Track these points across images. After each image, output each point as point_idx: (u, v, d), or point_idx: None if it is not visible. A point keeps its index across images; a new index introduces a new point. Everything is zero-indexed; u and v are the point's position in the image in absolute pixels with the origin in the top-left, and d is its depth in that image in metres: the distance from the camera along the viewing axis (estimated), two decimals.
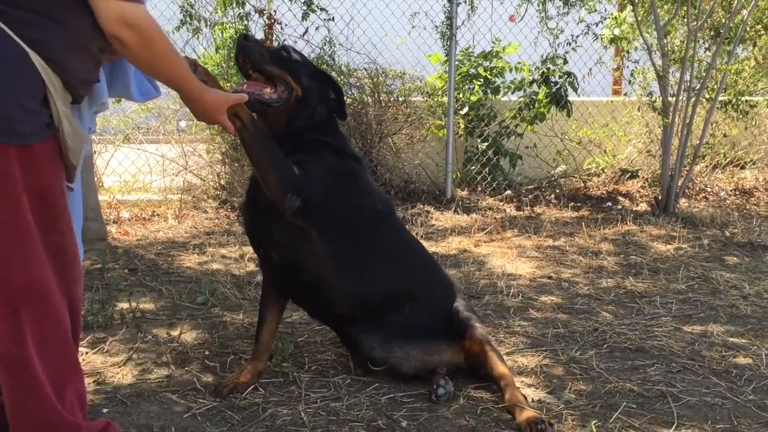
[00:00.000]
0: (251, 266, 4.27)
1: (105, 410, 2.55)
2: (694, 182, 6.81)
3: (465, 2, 6.32)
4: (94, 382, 2.77)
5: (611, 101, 7.31)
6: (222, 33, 5.75)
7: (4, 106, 1.78)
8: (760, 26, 6.29)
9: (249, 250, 4.54)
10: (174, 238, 4.93)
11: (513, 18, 6.79)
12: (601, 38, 6.44)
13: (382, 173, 6.15)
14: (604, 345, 3.26)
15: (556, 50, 6.53)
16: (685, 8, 5.83)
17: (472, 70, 6.66)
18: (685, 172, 6.17)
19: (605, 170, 6.95)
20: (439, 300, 2.92)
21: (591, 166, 6.99)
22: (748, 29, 6.16)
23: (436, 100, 6.56)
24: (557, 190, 6.55)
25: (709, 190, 6.83)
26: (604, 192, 6.66)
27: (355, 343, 2.85)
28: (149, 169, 6.08)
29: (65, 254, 1.97)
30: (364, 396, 2.72)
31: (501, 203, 6.15)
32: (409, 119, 6.42)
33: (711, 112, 6.25)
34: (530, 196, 6.32)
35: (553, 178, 6.75)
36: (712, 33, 6.20)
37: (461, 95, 6.59)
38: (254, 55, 2.63)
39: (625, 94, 7.35)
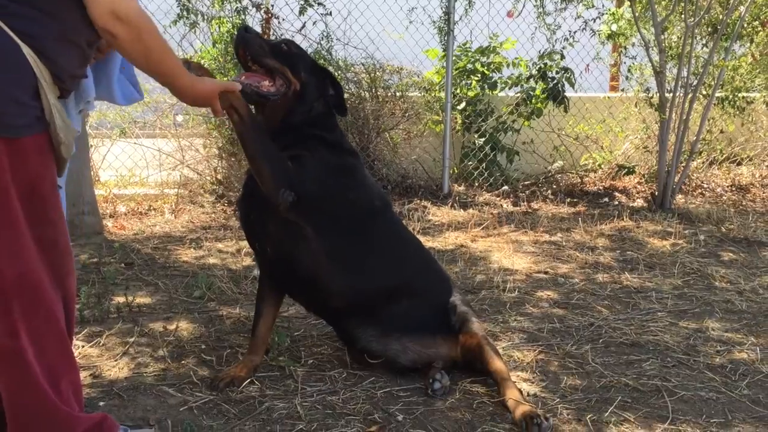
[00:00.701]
0: (248, 261, 4.27)
1: (101, 404, 2.56)
2: (691, 178, 6.83)
3: None
4: (90, 375, 2.78)
5: (608, 97, 7.31)
6: (219, 27, 5.74)
7: None
8: (757, 22, 6.30)
9: (245, 244, 4.53)
10: (170, 233, 4.93)
11: (511, 14, 6.78)
12: (599, 34, 6.43)
13: (379, 168, 6.14)
14: (600, 340, 3.27)
15: (553, 46, 6.53)
16: (682, 4, 5.83)
17: (470, 66, 6.66)
18: (682, 168, 6.18)
19: (602, 166, 6.96)
20: (435, 294, 2.93)
21: (588, 162, 6.99)
22: (745, 25, 6.17)
23: (433, 95, 6.56)
24: (554, 186, 6.56)
25: (705, 186, 6.84)
26: (601, 188, 6.67)
27: (351, 337, 2.86)
28: (146, 164, 6.08)
29: (57, 247, 1.97)
30: (360, 390, 2.73)
31: (498, 199, 6.16)
32: (407, 114, 6.42)
33: (708, 108, 6.25)
34: (527, 192, 6.33)
35: (550, 174, 6.76)
36: (709, 29, 6.20)
37: (458, 91, 6.59)
38: (254, 48, 2.63)
39: (623, 90, 7.35)
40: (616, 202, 6.23)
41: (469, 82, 6.66)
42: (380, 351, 2.81)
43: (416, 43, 6.64)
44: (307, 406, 2.59)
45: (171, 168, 6.05)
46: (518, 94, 6.62)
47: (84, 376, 2.75)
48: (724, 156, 7.32)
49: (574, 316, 3.57)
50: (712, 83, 6.24)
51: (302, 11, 5.67)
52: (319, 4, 5.74)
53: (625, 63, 6.75)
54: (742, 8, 5.98)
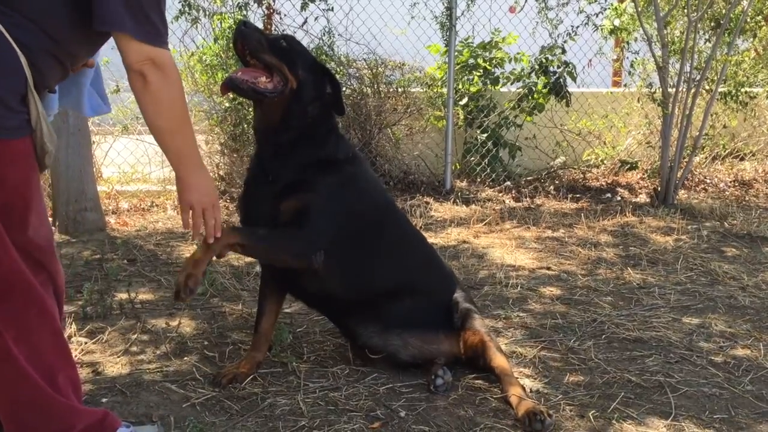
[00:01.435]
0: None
1: (104, 400, 2.56)
2: (694, 173, 6.81)
3: None
4: (92, 372, 2.78)
5: (611, 92, 7.30)
6: (221, 23, 5.73)
7: None
8: (760, 17, 6.27)
9: None
10: (173, 229, 4.93)
11: (513, 9, 6.76)
12: (601, 29, 6.41)
13: (382, 164, 6.14)
14: (603, 336, 3.27)
15: (555, 41, 6.51)
16: None
17: (471, 61, 6.64)
18: (685, 163, 6.17)
19: (605, 161, 6.95)
20: (438, 291, 2.93)
21: (590, 158, 6.98)
22: (748, 20, 6.15)
23: (435, 90, 6.55)
24: (556, 182, 6.55)
25: (708, 181, 6.83)
26: (604, 183, 6.66)
27: (354, 334, 2.86)
28: (148, 160, 6.07)
29: (41, 249, 1.98)
30: (362, 386, 2.73)
31: (500, 194, 6.15)
32: (409, 110, 6.41)
33: (711, 103, 6.24)
34: (529, 188, 6.32)
35: (552, 170, 6.75)
36: (712, 24, 6.18)
37: (461, 86, 6.58)
38: (252, 42, 2.59)
39: (625, 85, 7.34)
40: (619, 198, 6.22)
41: (471, 77, 6.64)
42: (381, 346, 2.81)
43: (418, 38, 6.63)
44: (309, 402, 2.59)
45: None
46: (520, 89, 6.61)
47: (86, 372, 2.75)
48: (727, 151, 7.31)
49: (577, 312, 3.56)
50: (715, 78, 6.22)
51: (304, 7, 5.67)
52: None
53: (627, 58, 6.73)
54: (745, 3, 5.96)
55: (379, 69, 6.29)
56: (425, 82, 6.59)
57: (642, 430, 2.48)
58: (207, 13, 5.69)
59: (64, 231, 4.70)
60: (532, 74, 6.57)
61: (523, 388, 2.63)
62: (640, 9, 5.93)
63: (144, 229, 4.91)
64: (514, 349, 3.10)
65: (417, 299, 2.85)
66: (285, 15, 5.89)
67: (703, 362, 3.02)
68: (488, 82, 6.62)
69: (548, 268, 4.26)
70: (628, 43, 6.57)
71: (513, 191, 6.23)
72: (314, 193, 2.67)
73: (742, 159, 7.39)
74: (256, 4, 5.74)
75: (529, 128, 6.67)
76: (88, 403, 2.43)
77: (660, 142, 6.21)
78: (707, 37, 6.42)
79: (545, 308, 3.61)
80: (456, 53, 6.41)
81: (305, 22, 5.82)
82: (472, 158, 6.52)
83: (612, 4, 6.50)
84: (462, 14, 6.32)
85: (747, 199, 6.34)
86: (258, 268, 3.89)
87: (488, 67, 6.65)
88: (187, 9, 5.50)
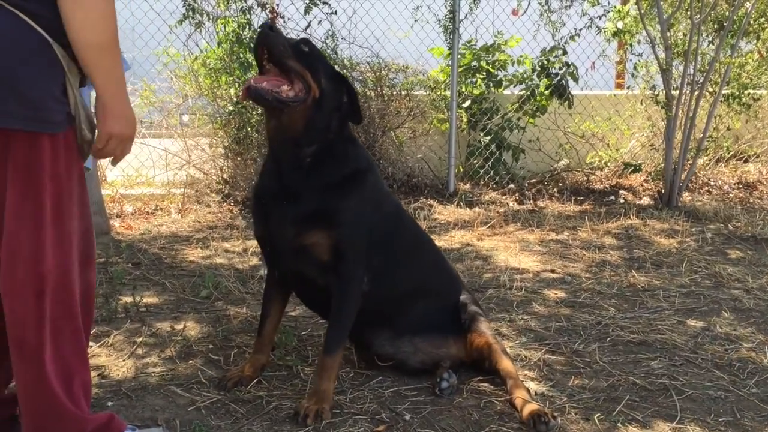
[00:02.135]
0: (254, 260, 4.28)
1: (110, 403, 2.56)
2: (698, 176, 6.80)
3: None
4: (98, 375, 2.78)
5: (614, 95, 7.29)
6: (225, 27, 5.74)
7: (37, 96, 1.82)
8: (763, 19, 6.27)
9: (252, 243, 4.55)
10: (177, 232, 4.94)
11: (516, 12, 6.77)
12: (604, 31, 6.41)
13: (385, 167, 6.14)
14: (607, 338, 3.27)
15: (558, 43, 6.52)
16: (688, 1, 5.81)
17: (474, 63, 6.65)
18: (689, 165, 6.16)
19: (608, 164, 6.94)
20: (446, 294, 2.92)
21: (594, 160, 6.98)
22: (751, 22, 6.14)
23: (438, 93, 6.55)
24: (560, 184, 6.54)
25: (712, 183, 6.82)
26: (607, 186, 6.65)
27: (367, 343, 2.84)
28: (152, 164, 6.09)
29: (84, 240, 2.00)
30: (367, 389, 2.73)
31: (504, 197, 6.15)
32: (412, 113, 6.42)
33: (714, 105, 6.23)
34: (533, 190, 6.32)
35: (555, 172, 6.74)
36: (715, 26, 6.17)
37: (464, 89, 6.58)
38: (278, 47, 2.47)
39: (628, 88, 7.33)
40: (623, 200, 6.22)
41: (474, 80, 6.65)
42: (392, 354, 2.80)
43: (421, 41, 6.64)
44: None
45: (177, 168, 6.06)
46: (523, 92, 6.61)
47: (92, 376, 2.75)
48: (731, 153, 7.30)
49: (581, 314, 3.56)
50: (719, 80, 6.21)
51: (308, 10, 5.67)
52: (325, 3, 5.74)
53: (630, 60, 6.72)
54: (748, 5, 5.96)
55: (383, 72, 6.30)
56: (428, 85, 6.60)
57: None
58: (211, 17, 5.70)
59: None
60: (534, 76, 6.57)
61: (528, 391, 2.63)
62: (643, 11, 5.93)
63: (148, 232, 4.92)
64: (518, 351, 3.10)
65: (429, 302, 2.85)
66: (289, 18, 5.90)
67: (708, 365, 3.01)
68: (491, 84, 6.63)
69: (552, 271, 4.26)
70: (631, 45, 6.57)
71: (516, 194, 6.23)
72: (344, 227, 2.58)
73: (745, 161, 7.38)
74: (259, 8, 5.75)
75: (533, 131, 6.67)
76: (94, 407, 2.44)
77: (663, 144, 6.21)
78: (710, 39, 6.41)
79: (549, 311, 3.61)
80: (459, 56, 6.41)
81: (309, 25, 5.83)
82: (476, 161, 6.52)
83: (615, 7, 6.50)
84: (465, 17, 6.33)
85: (751, 201, 6.33)
86: (262, 272, 3.90)
87: (491, 70, 6.65)
88: (191, 13, 5.51)
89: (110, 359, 2.94)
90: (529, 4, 6.50)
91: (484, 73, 6.64)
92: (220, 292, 3.73)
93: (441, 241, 4.84)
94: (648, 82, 6.57)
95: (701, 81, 6.01)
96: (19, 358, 1.94)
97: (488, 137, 6.50)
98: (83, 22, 1.80)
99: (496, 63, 6.67)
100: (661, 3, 5.79)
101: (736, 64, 6.25)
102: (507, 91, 6.73)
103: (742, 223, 5.43)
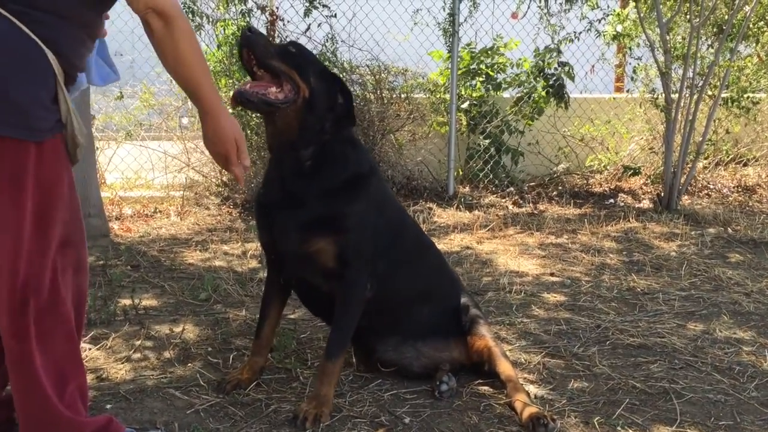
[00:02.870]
0: (253, 263, 4.27)
1: (108, 406, 2.56)
2: (697, 179, 6.80)
3: None
4: (96, 378, 2.78)
5: (614, 98, 7.30)
6: (224, 30, 5.74)
7: (25, 103, 1.83)
8: (762, 23, 6.28)
9: (251, 246, 4.55)
10: (176, 235, 4.94)
11: (515, 15, 6.77)
12: (604, 35, 6.42)
13: (385, 170, 6.14)
14: (607, 342, 3.26)
15: (557, 46, 6.52)
16: (687, 5, 5.82)
17: (473, 66, 6.65)
18: (688, 169, 6.16)
19: (608, 167, 6.95)
20: (448, 297, 2.91)
21: (593, 163, 6.98)
22: (750, 26, 6.15)
23: (438, 96, 6.56)
24: (559, 187, 6.54)
25: (711, 187, 6.82)
26: (607, 189, 6.65)
27: (369, 348, 2.83)
28: (151, 166, 6.09)
29: (72, 246, 1.99)
30: (366, 392, 2.72)
31: (503, 200, 6.15)
32: (412, 116, 6.42)
33: (714, 108, 6.24)
34: (532, 193, 6.32)
35: (555, 175, 6.75)
36: (714, 29, 6.18)
37: (463, 91, 6.59)
38: (259, 49, 2.45)
39: (628, 91, 7.34)
40: (622, 204, 6.22)
41: (473, 83, 6.65)
42: (395, 359, 2.80)
43: (421, 44, 6.65)
44: None
45: (177, 170, 6.06)
46: (521, 94, 6.61)
47: (90, 378, 2.75)
48: (730, 157, 7.30)
49: (581, 318, 3.56)
50: (718, 84, 6.22)
51: (307, 13, 5.68)
52: (324, 6, 5.75)
53: (630, 64, 6.73)
54: (747, 8, 5.96)
55: (382, 75, 6.30)
56: (428, 88, 6.61)
57: None
58: (210, 19, 5.70)
59: None
60: (531, 77, 6.57)
61: (528, 394, 2.63)
62: (642, 15, 5.94)
63: (147, 235, 4.91)
64: (518, 355, 3.09)
65: (431, 306, 2.84)
66: (288, 21, 5.91)
67: (707, 368, 3.01)
68: (490, 87, 6.63)
69: (552, 274, 4.26)
70: (630, 48, 6.58)
71: (516, 197, 6.23)
72: (349, 233, 2.55)
73: (745, 164, 7.38)
74: (259, 11, 5.75)
75: (532, 134, 6.67)
76: (93, 410, 2.43)
77: (663, 147, 6.21)
78: (710, 42, 6.42)
79: (549, 314, 3.61)
80: (458, 59, 6.41)
81: (308, 28, 5.83)
82: (475, 164, 6.53)
83: (614, 10, 6.51)
84: (464, 20, 6.34)
85: (750, 204, 6.33)
86: (261, 275, 3.89)
87: (490, 73, 6.66)
88: (190, 15, 5.51)
89: (109, 362, 2.93)
90: (528, 7, 6.51)
91: (484, 76, 6.64)
92: (219, 294, 3.73)
93: (440, 244, 4.83)
94: (647, 85, 6.58)
95: (701, 84, 6.02)
96: (11, 365, 1.94)
97: (488, 140, 6.50)
98: (174, 60, 2.00)
99: (496, 66, 6.68)
100: (661, 6, 5.80)
101: (735, 68, 6.25)
102: (506, 94, 6.74)
103: (742, 226, 5.43)
